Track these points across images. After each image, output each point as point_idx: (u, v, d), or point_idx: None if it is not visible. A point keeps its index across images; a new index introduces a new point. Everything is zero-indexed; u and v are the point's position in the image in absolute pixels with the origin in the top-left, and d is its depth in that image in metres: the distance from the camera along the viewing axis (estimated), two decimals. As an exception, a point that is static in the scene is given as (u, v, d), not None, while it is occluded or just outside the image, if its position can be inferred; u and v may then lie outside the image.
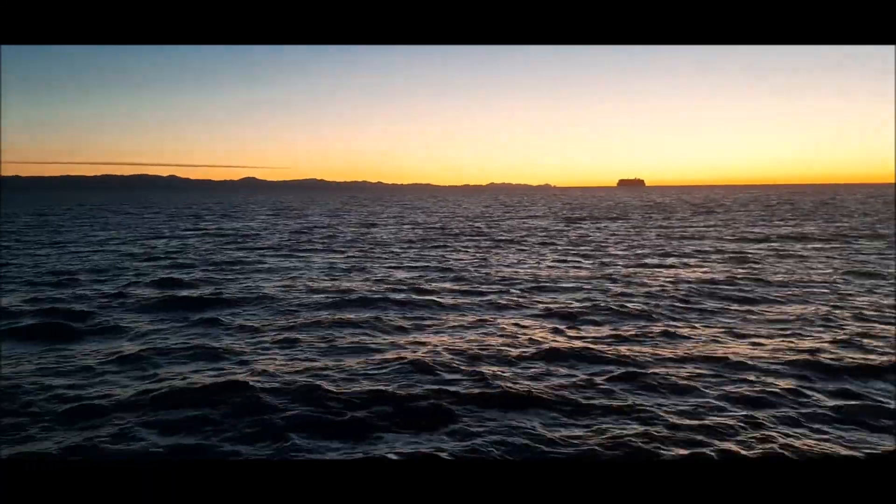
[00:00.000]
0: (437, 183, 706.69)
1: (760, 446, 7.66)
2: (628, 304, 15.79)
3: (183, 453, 7.61)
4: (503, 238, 37.10)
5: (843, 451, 7.46)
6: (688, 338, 12.67)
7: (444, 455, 7.45)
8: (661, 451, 7.52)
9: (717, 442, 7.80)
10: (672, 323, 14.01)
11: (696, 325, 13.82)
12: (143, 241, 35.86)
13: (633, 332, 13.09)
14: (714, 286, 18.43)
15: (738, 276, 20.20)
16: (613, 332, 13.12)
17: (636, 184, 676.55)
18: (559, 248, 30.90)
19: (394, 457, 7.32)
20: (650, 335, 12.89)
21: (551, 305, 16.08)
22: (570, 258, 26.39)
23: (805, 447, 7.62)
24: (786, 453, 7.39)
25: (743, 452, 7.39)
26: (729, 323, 13.92)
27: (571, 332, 13.20)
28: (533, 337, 12.82)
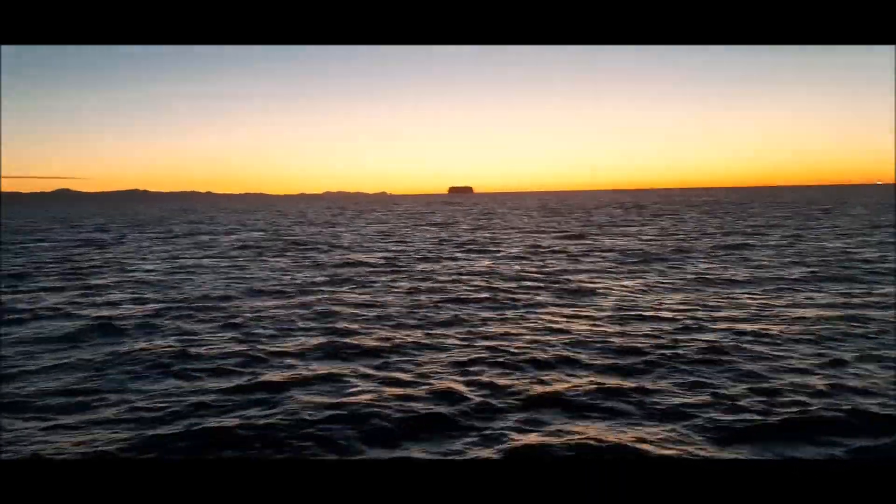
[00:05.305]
0: (272, 192, 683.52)
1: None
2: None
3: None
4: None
5: (844, 456, 7.53)
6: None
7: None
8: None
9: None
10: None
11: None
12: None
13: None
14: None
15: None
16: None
17: (465, 191, 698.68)
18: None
19: (393, 456, 7.47)
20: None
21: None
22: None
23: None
24: (784, 455, 7.54)
25: (742, 454, 7.58)
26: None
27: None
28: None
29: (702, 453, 7.68)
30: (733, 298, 17.33)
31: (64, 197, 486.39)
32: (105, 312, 16.86)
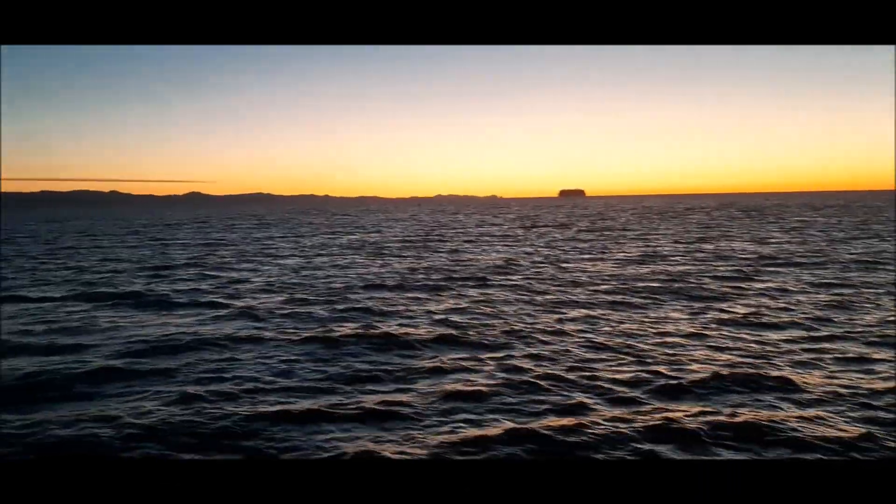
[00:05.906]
0: (384, 195, 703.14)
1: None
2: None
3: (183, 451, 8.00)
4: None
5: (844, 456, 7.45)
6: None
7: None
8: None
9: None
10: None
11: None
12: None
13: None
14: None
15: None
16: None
17: (576, 194, 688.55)
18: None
19: (394, 456, 7.66)
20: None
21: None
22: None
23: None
24: (786, 455, 7.49)
25: (743, 454, 7.57)
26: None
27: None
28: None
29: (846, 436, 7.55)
30: (875, 301, 16.33)
31: (195, 200, 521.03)
32: (244, 302, 18.12)
